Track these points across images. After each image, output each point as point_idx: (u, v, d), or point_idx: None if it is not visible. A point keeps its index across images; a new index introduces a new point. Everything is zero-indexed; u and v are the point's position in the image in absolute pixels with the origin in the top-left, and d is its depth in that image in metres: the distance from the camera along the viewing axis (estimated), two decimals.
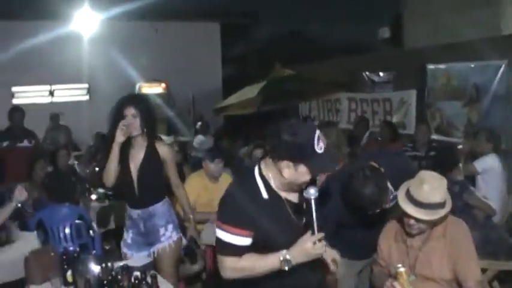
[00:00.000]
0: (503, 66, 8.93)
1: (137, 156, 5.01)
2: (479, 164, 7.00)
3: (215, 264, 6.36)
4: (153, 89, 17.02)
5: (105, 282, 3.87)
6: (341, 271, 3.80)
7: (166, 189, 5.29)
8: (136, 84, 16.68)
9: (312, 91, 10.94)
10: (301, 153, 2.88)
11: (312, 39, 23.84)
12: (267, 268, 3.03)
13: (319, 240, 2.95)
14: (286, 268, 2.97)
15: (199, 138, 12.73)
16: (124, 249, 5.18)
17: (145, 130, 4.96)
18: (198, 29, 18.42)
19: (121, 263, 4.28)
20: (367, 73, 12.17)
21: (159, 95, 16.70)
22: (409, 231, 3.71)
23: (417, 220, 3.59)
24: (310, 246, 2.94)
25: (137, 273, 3.94)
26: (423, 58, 10.63)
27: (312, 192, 2.97)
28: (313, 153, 2.88)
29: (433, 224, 3.65)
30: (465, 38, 10.19)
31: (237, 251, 3.04)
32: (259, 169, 3.09)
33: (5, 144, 8.94)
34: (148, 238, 5.08)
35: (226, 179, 6.82)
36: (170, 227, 5.12)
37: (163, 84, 17.13)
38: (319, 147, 2.90)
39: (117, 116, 4.89)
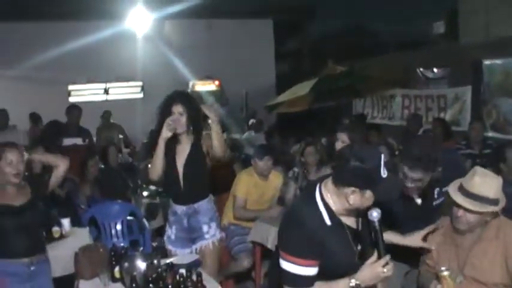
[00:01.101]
0: None
1: (183, 153, 5.04)
2: None
3: (263, 262, 6.41)
4: (206, 87, 17.08)
5: (150, 279, 3.89)
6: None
7: (211, 187, 5.30)
8: (190, 82, 16.76)
9: (365, 88, 10.81)
10: (369, 180, 2.89)
11: (367, 35, 23.60)
12: None
13: (387, 262, 3.00)
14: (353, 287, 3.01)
15: (251, 134, 12.74)
16: (169, 246, 5.22)
17: (191, 128, 4.98)
18: (251, 25, 18.42)
19: (167, 261, 4.30)
20: (421, 69, 12.00)
21: (212, 92, 16.77)
22: (456, 226, 3.61)
23: (465, 210, 3.50)
24: (381, 270, 3.00)
25: (182, 271, 3.95)
26: (479, 53, 10.41)
27: (375, 215, 3.02)
28: (380, 179, 2.88)
29: (483, 220, 3.54)
30: None
31: (307, 282, 3.04)
32: (320, 193, 3.07)
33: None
34: (191, 234, 5.12)
35: (276, 177, 6.81)
36: (214, 224, 5.14)
37: (216, 82, 17.18)
38: (384, 173, 2.90)
39: (165, 112, 4.95)
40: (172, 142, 5.01)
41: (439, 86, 11.67)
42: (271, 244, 5.92)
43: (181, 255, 4.86)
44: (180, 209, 5.10)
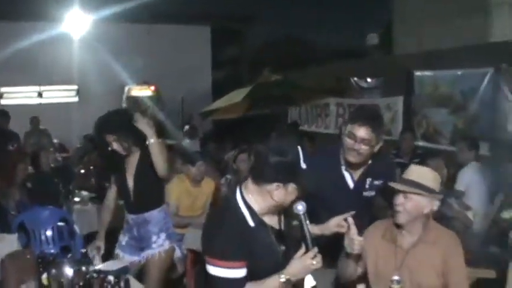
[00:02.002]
0: (490, 73, 8.96)
1: (133, 165, 5.07)
2: (462, 181, 6.99)
3: (195, 269, 6.40)
4: (142, 92, 16.94)
5: (77, 286, 3.85)
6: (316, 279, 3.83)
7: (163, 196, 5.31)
8: (126, 87, 16.63)
9: (299, 96, 10.94)
10: (291, 173, 2.91)
11: (304, 45, 23.88)
12: None
13: (316, 255, 3.01)
14: (284, 283, 2.98)
15: (186, 141, 12.72)
16: (117, 250, 5.23)
17: (130, 144, 5.00)
18: (188, 32, 18.41)
19: (96, 267, 4.27)
20: (355, 79, 12.20)
21: (148, 97, 16.67)
22: (396, 220, 3.63)
23: (404, 195, 3.57)
24: (310, 262, 3.00)
25: (110, 278, 3.92)
26: (411, 65, 10.67)
27: (300, 208, 3.00)
28: (301, 170, 2.92)
29: (421, 215, 3.60)
30: (452, 45, 10.24)
31: (238, 284, 3.01)
32: (241, 195, 3.06)
33: None
34: (141, 243, 5.12)
35: (208, 183, 6.84)
36: (163, 235, 5.13)
37: (153, 87, 17.08)
38: (304, 164, 2.93)
39: (100, 142, 5.08)
40: (122, 156, 5.05)
41: (372, 95, 11.88)
42: None
43: (110, 262, 4.84)
44: (131, 218, 5.13)
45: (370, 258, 3.77)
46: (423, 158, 7.36)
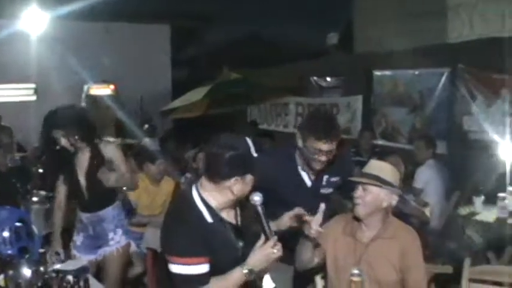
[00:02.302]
0: (446, 73, 9.11)
1: (83, 162, 5.01)
2: (420, 179, 7.09)
3: (156, 268, 6.38)
4: (101, 91, 16.78)
5: (36, 286, 3.81)
6: (274, 276, 3.84)
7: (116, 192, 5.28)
8: (85, 86, 16.45)
9: (259, 95, 10.97)
10: (246, 164, 2.96)
11: (264, 44, 23.87)
12: (236, 285, 3.05)
13: (275, 243, 3.01)
14: (247, 276, 3.01)
15: (145, 140, 12.63)
16: (73, 251, 5.16)
17: (79, 139, 4.93)
18: (148, 30, 18.27)
19: (54, 267, 4.23)
20: (315, 78, 12.27)
21: (108, 96, 16.52)
22: (356, 213, 3.70)
23: (363, 186, 3.64)
24: (270, 251, 2.99)
25: (69, 278, 3.89)
26: (370, 64, 10.77)
27: (257, 199, 3.03)
28: (253, 159, 2.96)
29: (379, 209, 3.66)
30: (411, 46, 10.37)
31: (202, 280, 3.01)
32: (198, 193, 3.08)
33: None
34: (97, 242, 5.08)
35: (168, 182, 6.83)
36: (119, 231, 5.12)
37: (112, 86, 16.91)
38: (253, 151, 2.97)
39: (46, 137, 4.99)
40: (70, 153, 4.98)
41: (332, 94, 11.99)
42: None
43: (68, 262, 4.79)
44: (85, 216, 5.09)
45: (329, 251, 3.81)
46: (381, 155, 7.45)
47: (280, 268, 4.13)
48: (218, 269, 3.03)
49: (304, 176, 4.17)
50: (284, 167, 4.12)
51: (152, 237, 6.21)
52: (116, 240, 5.09)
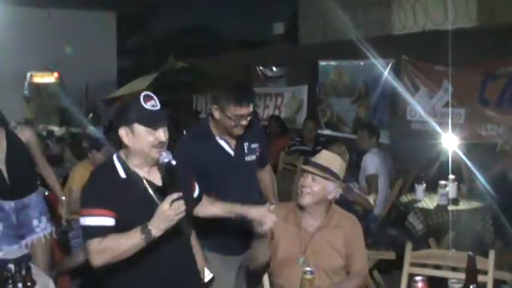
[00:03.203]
0: (390, 64, 9.23)
1: (1, 148, 4.83)
2: (371, 166, 7.12)
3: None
4: (45, 79, 16.51)
5: None
6: (216, 268, 3.84)
7: (39, 178, 5.18)
8: (28, 73, 16.14)
9: (204, 84, 10.94)
10: (130, 112, 2.95)
11: (212, 33, 23.85)
12: (130, 244, 2.86)
13: (176, 200, 2.83)
14: (144, 240, 2.83)
15: (90, 129, 12.49)
16: None
17: None
18: (93, 17, 18.00)
19: None
20: (261, 68, 12.30)
21: (51, 84, 16.25)
22: (301, 202, 3.71)
23: (312, 176, 3.66)
24: (167, 207, 2.80)
25: (11, 266, 3.80)
26: (316, 55, 10.85)
27: (164, 155, 2.97)
28: (143, 108, 2.93)
29: (324, 200, 3.70)
30: (357, 36, 10.47)
31: (100, 232, 2.89)
32: (117, 154, 3.08)
33: None
34: (20, 230, 4.93)
35: None
36: (44, 218, 5.03)
37: (56, 74, 16.62)
38: (149, 105, 2.95)
39: None
40: None
41: (278, 84, 12.03)
42: None
43: (9, 250, 4.69)
44: (8, 205, 4.89)
45: (271, 242, 3.80)
46: (326, 144, 7.52)
47: (225, 259, 4.16)
48: (131, 227, 2.89)
49: (225, 145, 4.14)
50: (202, 141, 4.12)
51: None
52: (42, 228, 4.99)
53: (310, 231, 3.73)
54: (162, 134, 2.98)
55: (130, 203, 2.96)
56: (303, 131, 8.97)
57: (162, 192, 2.98)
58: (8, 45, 15.31)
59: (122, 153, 3.07)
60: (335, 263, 3.68)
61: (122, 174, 3.02)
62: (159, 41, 21.88)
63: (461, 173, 6.68)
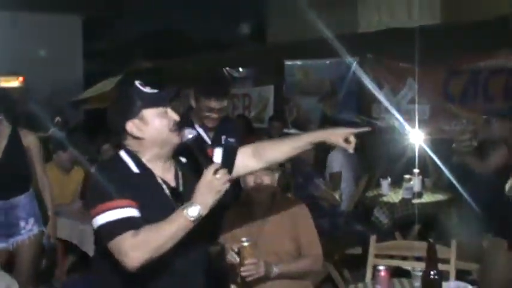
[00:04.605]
0: (356, 63, 9.31)
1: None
2: (335, 164, 7.22)
3: (66, 260, 6.28)
4: (10, 83, 16.37)
5: None
6: None
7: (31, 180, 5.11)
8: None
9: (170, 85, 10.91)
10: (133, 102, 2.70)
11: (177, 36, 23.84)
12: (175, 228, 2.53)
13: (218, 169, 2.58)
14: (193, 220, 2.52)
15: (53, 130, 12.43)
16: None
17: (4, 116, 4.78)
18: (58, 21, 17.92)
19: None
20: (227, 69, 12.31)
21: (15, 89, 16.10)
22: (253, 193, 3.86)
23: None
24: (210, 178, 2.55)
25: None
26: (282, 55, 10.88)
27: (187, 132, 2.77)
28: (144, 94, 2.71)
29: (273, 188, 3.90)
30: (323, 35, 10.52)
31: (131, 224, 2.53)
32: (125, 150, 2.77)
33: None
34: (8, 230, 4.89)
35: (77, 172, 6.79)
36: (32, 220, 4.96)
37: (20, 78, 16.49)
38: (149, 89, 2.73)
39: None
40: None
41: (245, 85, 12.04)
42: (76, 239, 5.97)
43: None
44: None
45: (226, 231, 3.90)
46: None
47: None
48: (151, 218, 2.58)
49: (204, 134, 4.31)
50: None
51: (63, 228, 6.09)
52: (28, 229, 4.94)
53: (261, 216, 3.88)
54: (174, 114, 2.74)
55: (145, 198, 2.64)
56: (269, 130, 9.02)
57: (178, 194, 2.77)
58: None
59: (130, 148, 2.76)
60: (286, 247, 3.83)
61: (135, 169, 2.71)
62: (125, 44, 21.81)
63: (427, 167, 6.79)
